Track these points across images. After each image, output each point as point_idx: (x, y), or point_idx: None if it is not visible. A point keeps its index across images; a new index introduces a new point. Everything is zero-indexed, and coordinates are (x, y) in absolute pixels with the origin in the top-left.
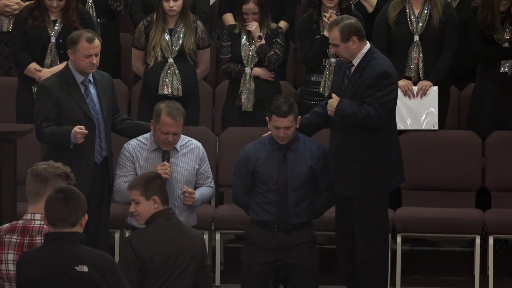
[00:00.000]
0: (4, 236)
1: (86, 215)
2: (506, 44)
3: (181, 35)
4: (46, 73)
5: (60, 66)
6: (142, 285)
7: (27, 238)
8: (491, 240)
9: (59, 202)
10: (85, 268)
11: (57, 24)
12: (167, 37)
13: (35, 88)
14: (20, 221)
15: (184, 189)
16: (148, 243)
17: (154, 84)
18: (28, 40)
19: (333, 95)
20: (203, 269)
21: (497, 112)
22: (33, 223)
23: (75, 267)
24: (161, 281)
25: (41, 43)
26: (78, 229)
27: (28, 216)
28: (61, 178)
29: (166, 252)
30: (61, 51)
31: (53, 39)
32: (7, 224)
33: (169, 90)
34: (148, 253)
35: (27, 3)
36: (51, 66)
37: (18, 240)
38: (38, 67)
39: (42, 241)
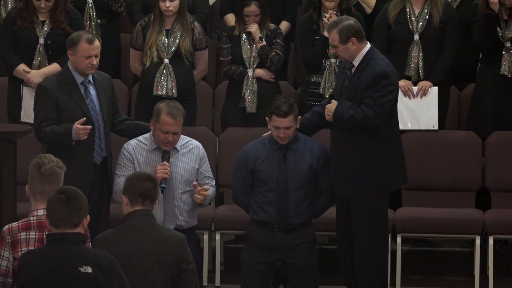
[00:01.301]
0: (18, 234)
1: (88, 216)
2: (508, 44)
3: (177, 36)
4: (35, 74)
5: (49, 67)
6: None
7: (46, 233)
8: (491, 241)
9: (61, 203)
10: (89, 269)
11: (45, 25)
12: (163, 37)
13: (23, 88)
14: (31, 218)
15: (194, 183)
16: (110, 243)
17: (150, 84)
18: (16, 41)
19: (333, 101)
20: (183, 273)
21: (497, 112)
22: None
23: (79, 268)
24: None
25: (29, 44)
26: (80, 230)
27: (40, 212)
28: (63, 170)
29: (128, 253)
30: (50, 52)
31: (41, 40)
32: (16, 223)
33: (164, 91)
34: (109, 252)
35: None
36: (39, 67)
37: (37, 236)
38: (26, 68)
39: None
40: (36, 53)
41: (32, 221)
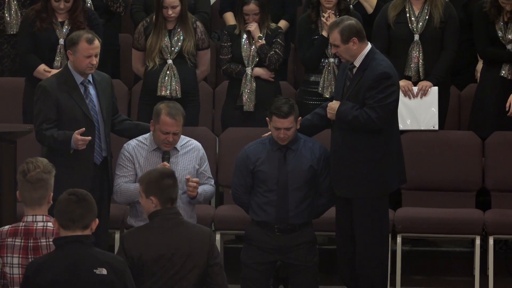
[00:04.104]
0: (6, 239)
1: (97, 219)
2: (510, 46)
3: (180, 37)
4: None
5: None
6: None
7: (32, 241)
8: (491, 241)
9: (73, 204)
10: (104, 271)
11: (65, 26)
12: (166, 39)
13: None
14: (21, 224)
15: (187, 177)
16: (138, 242)
17: (153, 85)
18: (36, 42)
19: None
20: (210, 268)
21: (499, 113)
22: (35, 225)
23: (94, 270)
24: (152, 280)
25: (50, 45)
26: (89, 232)
27: (29, 218)
28: (52, 173)
29: (156, 252)
30: None
31: (61, 41)
32: (7, 227)
33: (168, 92)
34: (137, 251)
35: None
36: (60, 68)
37: (22, 243)
38: (47, 68)
39: (48, 243)
40: (56, 54)
41: (20, 228)
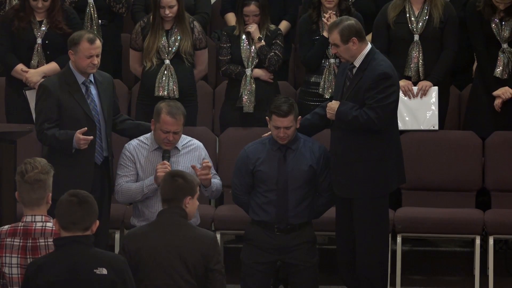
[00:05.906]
0: (5, 239)
1: (98, 221)
2: (505, 45)
3: (178, 37)
4: (33, 73)
5: (47, 66)
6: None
7: (30, 241)
8: (491, 241)
9: (74, 206)
10: (104, 271)
11: (43, 25)
12: (163, 39)
13: (26, 92)
14: (20, 224)
15: (192, 165)
16: (137, 237)
17: (151, 85)
18: (14, 42)
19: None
20: (210, 273)
21: (494, 112)
22: (34, 225)
23: (95, 270)
24: (150, 277)
25: (28, 44)
26: (89, 233)
27: (28, 219)
28: (50, 174)
29: (152, 248)
30: (48, 52)
31: (39, 40)
32: (7, 226)
33: (165, 92)
34: (134, 246)
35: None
36: (37, 67)
37: (21, 243)
38: (24, 68)
39: (46, 243)
40: (34, 53)
41: (19, 228)
